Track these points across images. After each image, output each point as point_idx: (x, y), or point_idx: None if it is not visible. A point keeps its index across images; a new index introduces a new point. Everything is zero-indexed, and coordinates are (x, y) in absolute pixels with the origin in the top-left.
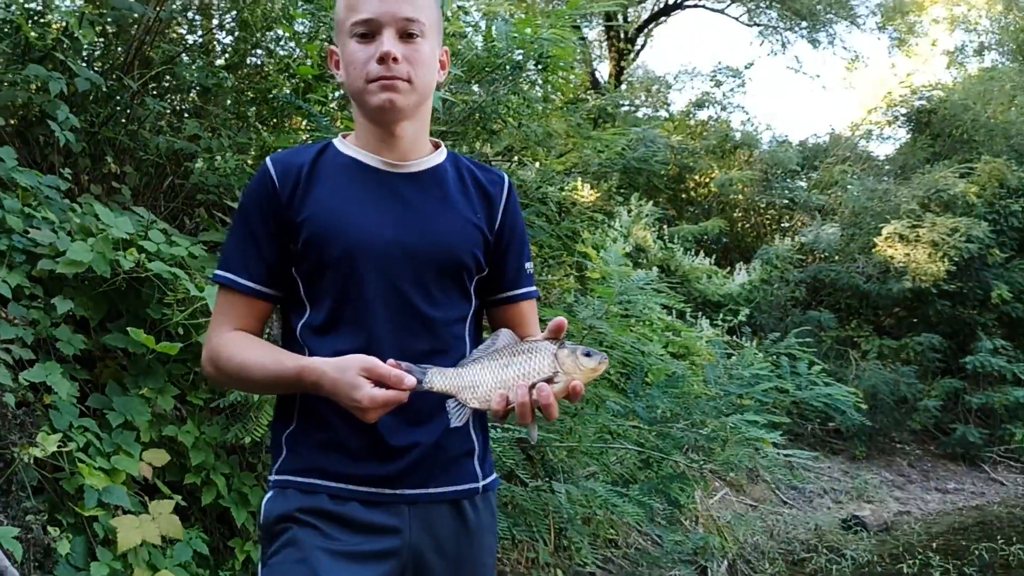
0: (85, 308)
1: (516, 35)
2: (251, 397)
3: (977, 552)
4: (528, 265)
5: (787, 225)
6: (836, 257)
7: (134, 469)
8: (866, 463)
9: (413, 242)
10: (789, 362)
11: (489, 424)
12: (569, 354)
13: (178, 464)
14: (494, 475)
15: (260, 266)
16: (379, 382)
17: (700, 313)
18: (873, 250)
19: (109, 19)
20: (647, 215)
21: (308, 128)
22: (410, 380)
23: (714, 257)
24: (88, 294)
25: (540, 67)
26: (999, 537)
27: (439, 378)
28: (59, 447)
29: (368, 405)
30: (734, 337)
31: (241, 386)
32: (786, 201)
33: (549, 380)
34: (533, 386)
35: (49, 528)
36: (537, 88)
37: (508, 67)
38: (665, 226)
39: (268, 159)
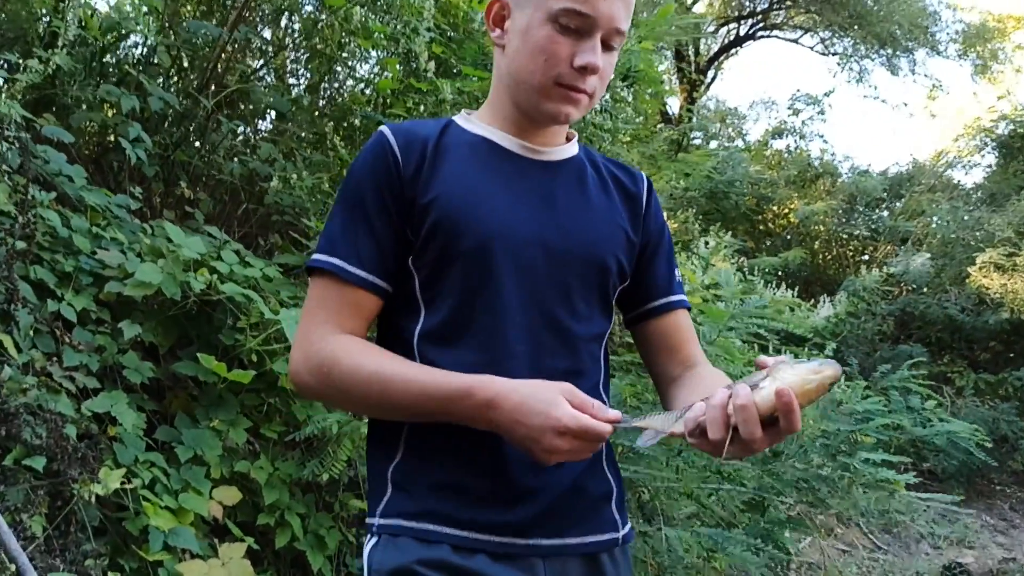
0: (154, 334)
1: None
2: (330, 429)
3: None
4: (678, 273)
5: (871, 257)
6: (925, 289)
7: (203, 509)
8: (965, 506)
9: (556, 240)
10: (902, 396)
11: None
12: (787, 364)
13: (250, 503)
14: (630, 524)
15: (375, 253)
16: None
17: (784, 348)
18: (967, 280)
19: (183, 44)
20: (726, 246)
21: None
22: (614, 413)
23: (796, 290)
24: (157, 319)
25: (628, 83)
26: None
27: (647, 418)
28: (123, 483)
29: (569, 423)
30: None
31: (362, 402)
32: (869, 232)
33: (753, 388)
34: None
35: (110, 574)
36: (626, 107)
37: None
38: (744, 258)
39: (384, 127)
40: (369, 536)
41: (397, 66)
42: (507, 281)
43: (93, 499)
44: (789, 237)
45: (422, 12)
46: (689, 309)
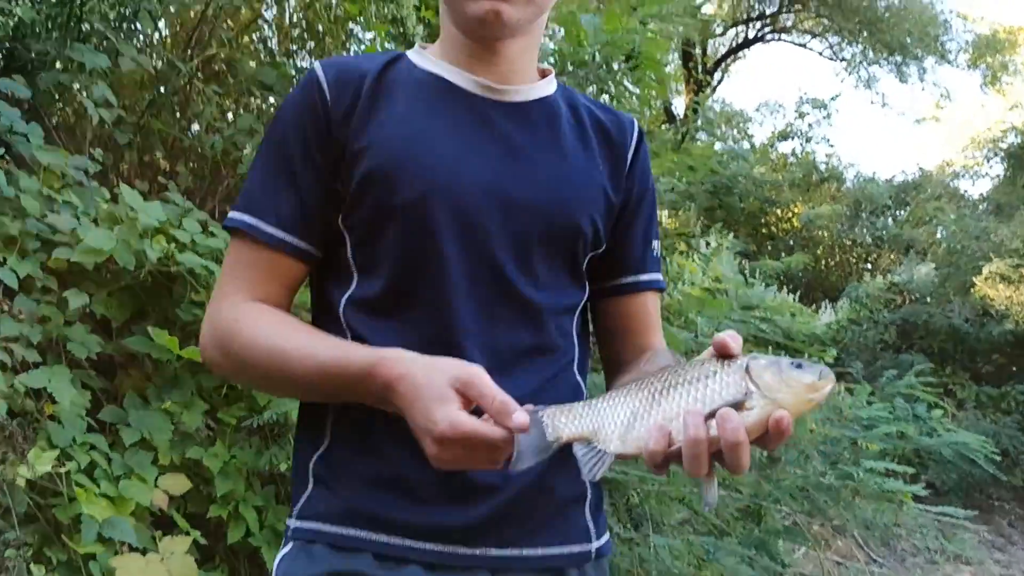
0: (106, 306)
1: (605, 32)
2: (292, 415)
3: None
4: (656, 244)
5: (874, 264)
6: (929, 298)
7: (146, 498)
8: (962, 521)
9: (516, 193)
10: (908, 404)
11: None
12: (768, 365)
13: (203, 493)
14: (607, 535)
15: (298, 209)
16: (477, 406)
17: (784, 353)
18: (971, 291)
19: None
20: (728, 248)
21: None
22: (519, 417)
23: (797, 295)
24: (109, 289)
25: (631, 66)
26: None
27: (565, 418)
28: (55, 467)
29: (445, 431)
30: None
31: (263, 380)
32: (873, 239)
33: (738, 407)
34: (712, 415)
35: (33, 567)
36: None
37: (597, 62)
38: (746, 261)
39: (317, 63)
40: (284, 541)
41: (386, 32)
42: (451, 242)
43: (23, 483)
44: (792, 242)
45: None
46: (662, 290)
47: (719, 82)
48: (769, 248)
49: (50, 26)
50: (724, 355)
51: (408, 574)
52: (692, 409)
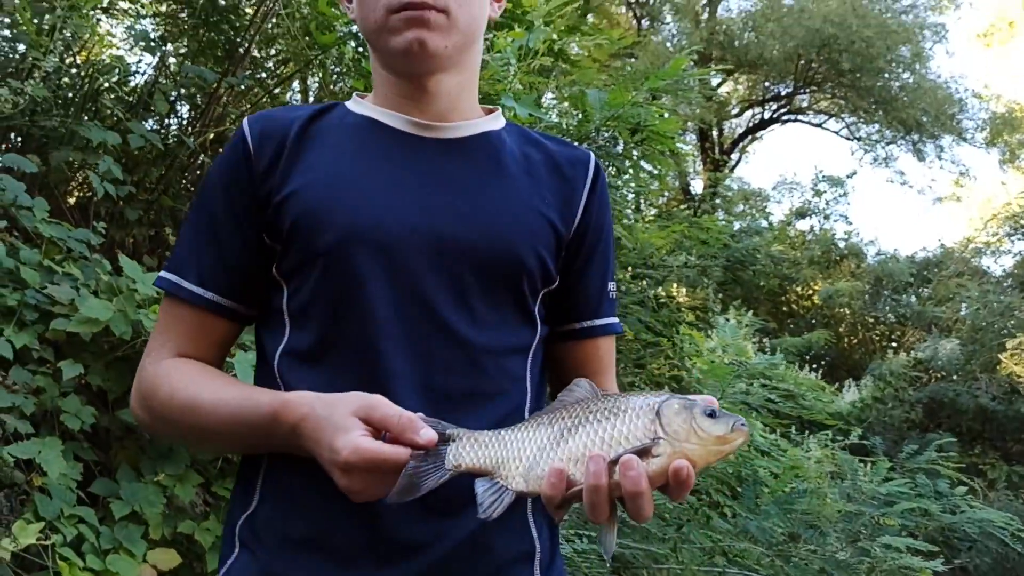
0: (102, 377)
1: (610, 107)
2: None
3: None
4: (611, 286)
5: (899, 342)
6: (955, 376)
7: (132, 573)
8: None
9: (447, 229)
10: (929, 480)
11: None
12: (680, 410)
13: (195, 569)
14: None
15: (219, 267)
16: (380, 431)
17: (807, 432)
18: (997, 368)
19: (183, 88)
20: (747, 325)
21: None
22: (427, 433)
23: (820, 372)
24: (106, 360)
25: (637, 140)
26: None
27: (469, 446)
28: (39, 540)
29: (348, 457)
30: (847, 455)
31: (184, 435)
32: (896, 317)
33: (644, 453)
34: (616, 461)
35: None
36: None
37: (603, 137)
38: (766, 338)
39: (245, 119)
40: None
41: None
42: (377, 283)
43: (7, 556)
44: (813, 319)
45: None
46: (619, 334)
47: (736, 162)
48: (790, 326)
49: (62, 103)
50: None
51: None
52: (594, 454)
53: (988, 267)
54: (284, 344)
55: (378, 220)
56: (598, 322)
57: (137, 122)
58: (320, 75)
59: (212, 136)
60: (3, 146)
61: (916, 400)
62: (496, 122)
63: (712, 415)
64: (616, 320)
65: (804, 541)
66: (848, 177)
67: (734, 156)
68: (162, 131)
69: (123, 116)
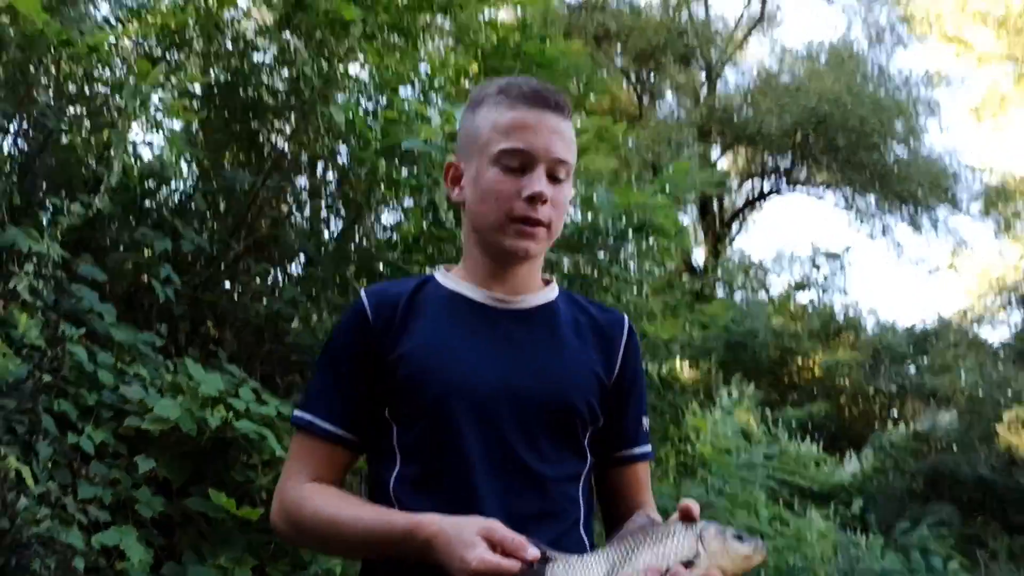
0: (169, 469)
1: (618, 205)
2: (333, 571)
3: None
4: (645, 421)
5: (899, 413)
6: (955, 446)
7: None
8: None
9: (521, 385)
10: (921, 556)
11: None
12: (716, 535)
13: None
14: None
15: (346, 408)
16: (496, 547)
17: (809, 503)
18: (995, 439)
19: (219, 190)
20: (749, 397)
21: None
22: (532, 552)
23: (821, 444)
24: (172, 453)
25: (644, 235)
26: None
27: (563, 565)
28: None
29: (476, 567)
30: (847, 531)
31: (324, 545)
32: (896, 387)
33: (688, 564)
34: (667, 572)
35: None
36: (642, 261)
37: (610, 236)
38: (768, 410)
39: (362, 291)
40: None
41: (420, 217)
42: (470, 430)
43: None
44: (814, 390)
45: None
46: (653, 459)
47: (737, 233)
48: (792, 397)
49: (120, 213)
50: (687, 518)
51: None
52: (652, 566)
53: (986, 339)
54: (397, 472)
55: (469, 381)
56: (636, 451)
57: (186, 226)
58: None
59: (254, 239)
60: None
61: (917, 471)
62: (552, 292)
63: (740, 538)
64: (650, 448)
65: None
66: (845, 251)
67: (734, 227)
68: (204, 233)
69: (172, 222)
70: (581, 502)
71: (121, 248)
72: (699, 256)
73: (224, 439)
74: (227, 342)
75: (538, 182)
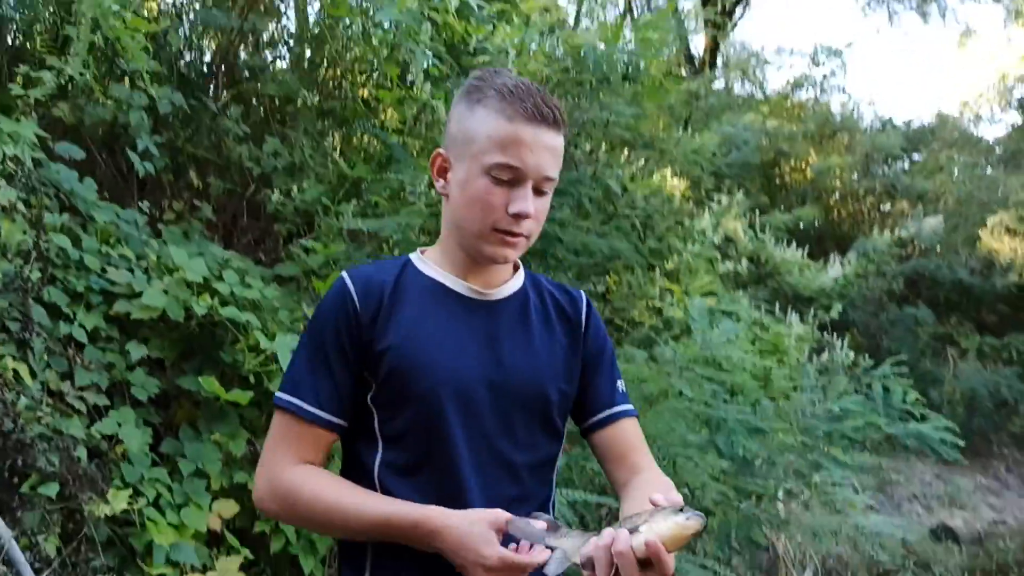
0: (160, 349)
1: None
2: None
3: None
4: (620, 383)
5: (887, 210)
6: (939, 247)
7: (203, 524)
8: (959, 468)
9: (500, 377)
10: (883, 390)
11: None
12: (663, 509)
13: (248, 511)
14: None
15: (333, 394)
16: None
17: (790, 308)
18: (978, 242)
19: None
20: (738, 203)
21: (382, 152)
22: (540, 555)
23: (807, 248)
24: (163, 335)
25: (627, 81)
26: None
27: (562, 538)
28: (129, 503)
29: (497, 566)
30: (825, 334)
31: (321, 528)
32: (885, 189)
33: (633, 531)
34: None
35: None
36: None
37: (595, 81)
38: (757, 215)
39: (345, 275)
40: None
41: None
42: (455, 422)
43: (103, 517)
44: (804, 193)
45: (419, 33)
46: (636, 416)
47: (739, 19)
48: (782, 199)
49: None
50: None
51: None
52: (608, 532)
53: (982, 137)
54: (380, 458)
55: (455, 374)
56: (615, 409)
57: (160, 88)
58: None
59: (232, 96)
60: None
61: (898, 273)
62: (519, 278)
63: (681, 511)
64: (630, 406)
65: (760, 462)
66: (847, 47)
67: (737, 13)
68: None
69: (146, 86)
70: (553, 483)
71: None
72: (699, 43)
73: (212, 322)
74: (213, 185)
75: (525, 200)
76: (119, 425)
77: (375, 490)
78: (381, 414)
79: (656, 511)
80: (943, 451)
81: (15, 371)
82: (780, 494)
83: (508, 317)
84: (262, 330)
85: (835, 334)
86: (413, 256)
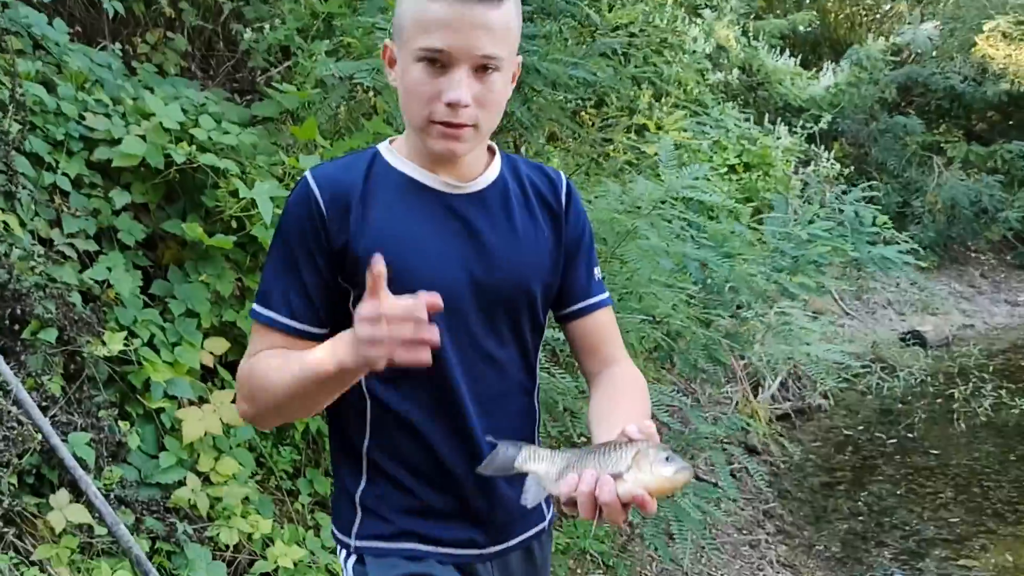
0: (143, 194)
1: None
2: None
3: None
4: (597, 271)
5: (886, 11)
6: (935, 52)
7: (196, 361)
8: (936, 273)
9: (482, 276)
10: (854, 214)
11: None
12: (648, 455)
13: (239, 346)
14: (552, 509)
15: (305, 302)
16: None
17: (780, 119)
18: (972, 48)
19: None
20: (732, 9)
21: None
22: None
23: (801, 55)
24: (145, 180)
25: None
26: None
27: (533, 459)
28: (124, 344)
29: (383, 311)
30: (813, 146)
31: (276, 403)
32: None
33: (617, 476)
34: (598, 481)
35: (120, 423)
36: None
37: None
38: (751, 21)
39: (309, 175)
40: (346, 553)
41: None
42: (441, 325)
43: (101, 357)
44: None
45: None
46: (611, 306)
47: None
48: (779, 4)
49: None
50: (632, 438)
51: (449, 571)
52: (592, 472)
53: None
54: None
55: (436, 274)
56: (591, 300)
57: None
58: None
59: None
60: None
61: (890, 81)
62: (497, 164)
63: (668, 460)
64: (607, 296)
65: (729, 287)
66: None
67: None
68: None
69: None
70: (537, 373)
71: None
72: None
73: (193, 167)
74: (186, 12)
75: (457, 86)
76: (109, 270)
77: (364, 399)
78: None
79: (640, 454)
80: (906, 272)
81: (5, 223)
82: (749, 316)
83: (489, 210)
84: (241, 176)
85: (823, 145)
86: (382, 147)
